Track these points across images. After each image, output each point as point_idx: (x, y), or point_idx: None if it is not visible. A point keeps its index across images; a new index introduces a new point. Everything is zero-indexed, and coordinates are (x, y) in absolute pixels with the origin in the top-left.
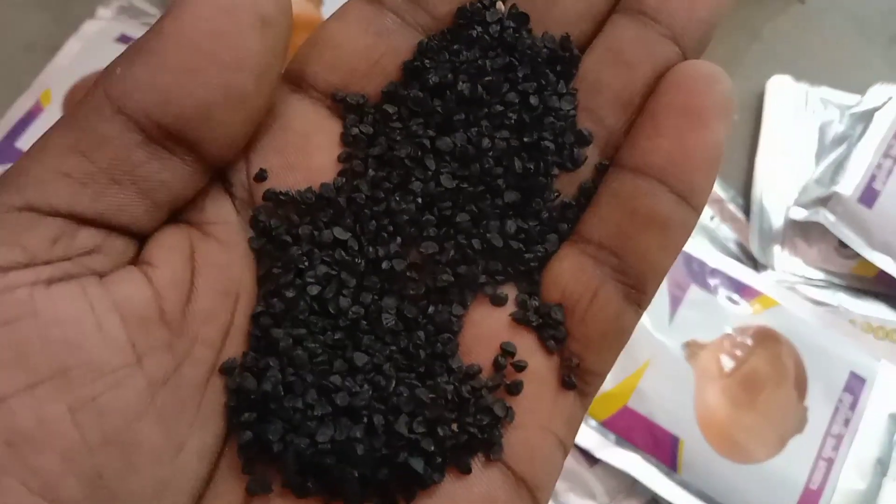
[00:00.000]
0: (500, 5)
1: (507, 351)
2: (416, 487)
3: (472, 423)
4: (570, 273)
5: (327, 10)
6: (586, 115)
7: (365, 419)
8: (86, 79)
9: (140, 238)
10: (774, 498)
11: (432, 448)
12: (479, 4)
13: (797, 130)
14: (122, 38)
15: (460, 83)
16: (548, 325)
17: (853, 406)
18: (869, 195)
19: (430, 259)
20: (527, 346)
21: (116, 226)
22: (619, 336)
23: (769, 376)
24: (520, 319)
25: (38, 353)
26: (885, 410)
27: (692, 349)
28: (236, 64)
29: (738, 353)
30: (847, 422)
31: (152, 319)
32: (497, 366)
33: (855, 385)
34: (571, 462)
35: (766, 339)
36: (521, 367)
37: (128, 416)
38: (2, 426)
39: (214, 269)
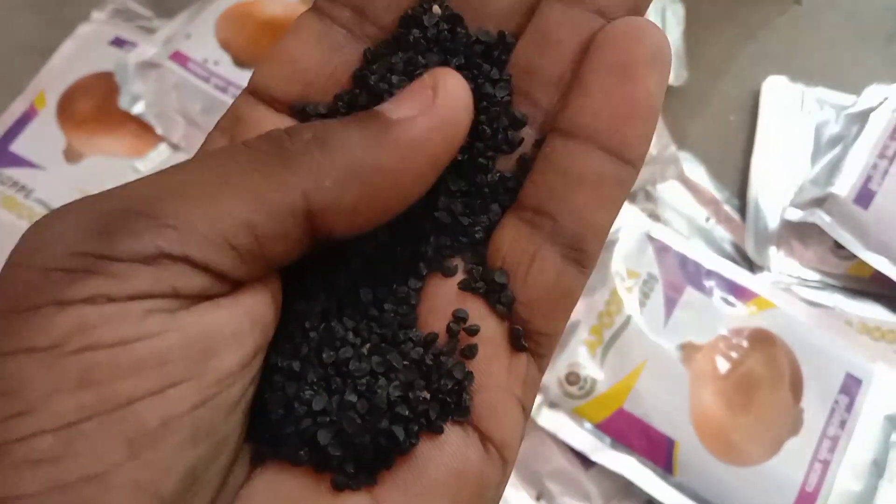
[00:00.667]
0: (436, 8)
1: (458, 317)
2: (394, 454)
3: (439, 387)
4: (510, 239)
5: None
6: (522, 98)
7: (355, 384)
8: (80, 81)
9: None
10: (770, 500)
11: (407, 413)
12: (420, 8)
13: (793, 131)
14: (116, 41)
15: (397, 82)
16: (493, 290)
17: (849, 408)
18: (865, 196)
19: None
20: (478, 313)
21: (240, 280)
22: (563, 297)
23: (765, 378)
24: (466, 287)
25: (178, 359)
26: (880, 412)
27: (688, 351)
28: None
29: (734, 354)
30: (843, 423)
31: (269, 324)
32: (451, 332)
33: (851, 386)
34: (566, 465)
35: (762, 340)
36: (473, 331)
37: (230, 411)
38: (126, 426)
39: (279, 299)
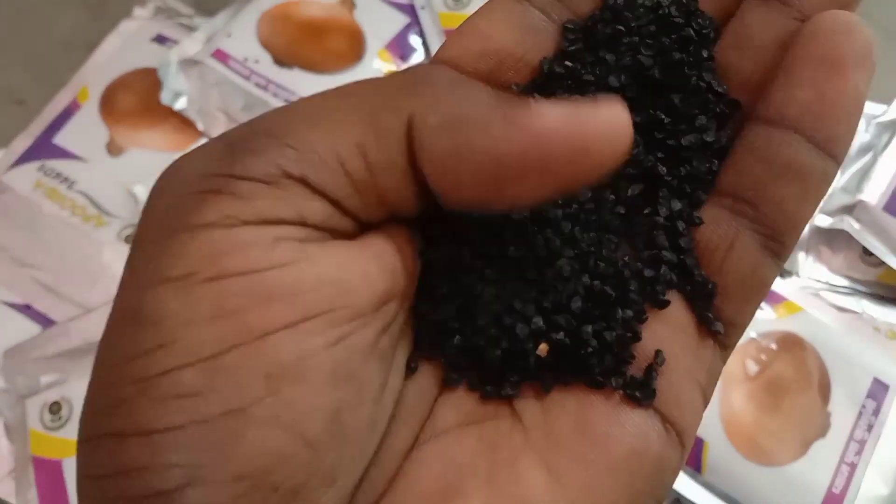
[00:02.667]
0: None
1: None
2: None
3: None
4: (707, 224)
5: (359, 14)
6: None
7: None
8: (123, 76)
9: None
10: (797, 501)
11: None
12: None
13: None
14: (159, 38)
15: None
16: (690, 279)
17: (876, 412)
18: (894, 204)
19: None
20: (671, 297)
21: (360, 220)
22: (758, 287)
23: (793, 381)
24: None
25: (309, 292)
26: None
27: None
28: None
29: (763, 357)
30: (870, 427)
31: (398, 272)
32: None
33: (878, 391)
34: None
35: (791, 344)
36: (663, 304)
37: (366, 355)
38: (264, 360)
39: (409, 251)
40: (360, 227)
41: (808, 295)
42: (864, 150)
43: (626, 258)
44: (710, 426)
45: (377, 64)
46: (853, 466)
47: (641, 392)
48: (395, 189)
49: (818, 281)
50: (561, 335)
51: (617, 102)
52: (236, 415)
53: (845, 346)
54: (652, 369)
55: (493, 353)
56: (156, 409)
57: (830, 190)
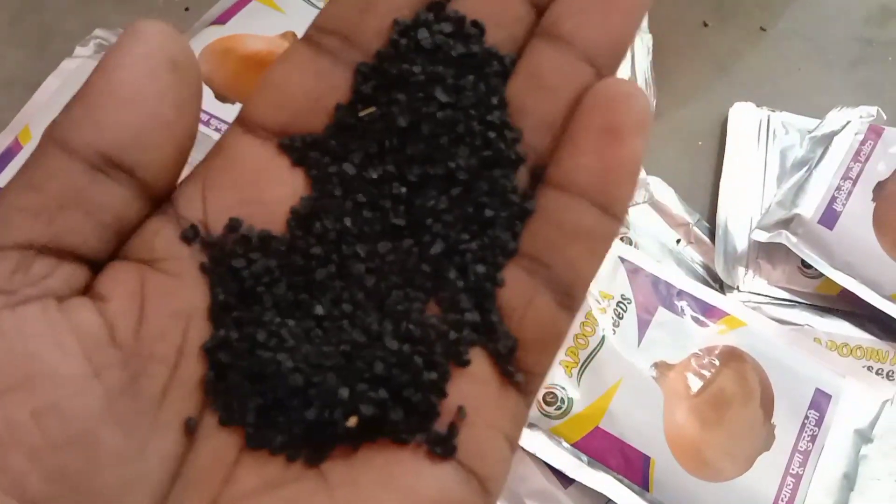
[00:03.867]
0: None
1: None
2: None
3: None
4: (508, 284)
5: None
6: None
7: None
8: None
9: (92, 266)
10: None
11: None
12: (419, 19)
13: (759, 155)
14: None
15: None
16: (490, 332)
17: (819, 423)
18: (829, 216)
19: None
20: (472, 352)
21: (69, 249)
22: (555, 339)
23: (736, 395)
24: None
25: (4, 366)
26: (850, 426)
27: (661, 370)
28: (157, 97)
29: (706, 372)
30: (814, 438)
31: (105, 342)
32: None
33: (821, 402)
34: (546, 484)
35: (733, 358)
36: (464, 363)
37: (88, 419)
38: None
39: (163, 295)
40: (82, 262)
41: (748, 309)
42: (799, 164)
43: (432, 320)
44: (656, 444)
45: None
46: (798, 478)
47: (443, 448)
48: (78, 191)
49: (759, 294)
50: (369, 408)
51: None
52: None
53: (787, 358)
54: (454, 425)
55: (296, 427)
56: None
57: (767, 204)
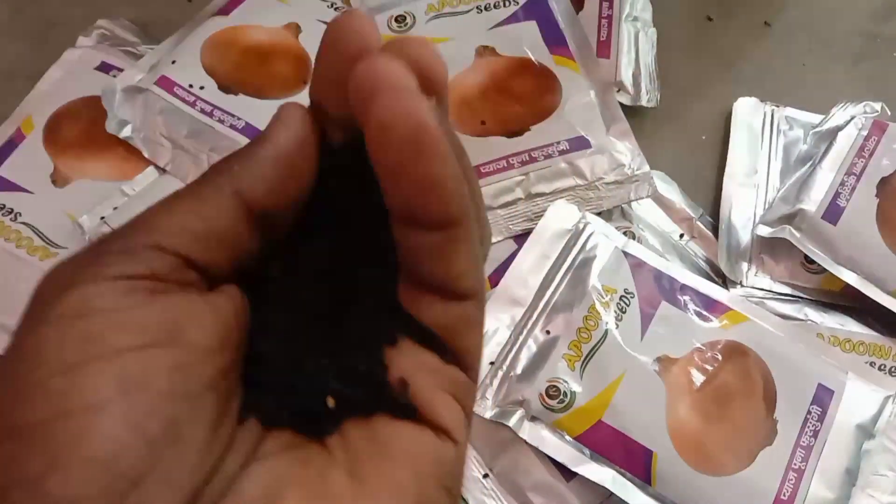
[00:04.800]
0: None
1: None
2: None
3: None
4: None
5: (304, 39)
6: None
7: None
8: (67, 106)
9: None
10: None
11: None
12: None
13: (763, 150)
14: (103, 66)
15: None
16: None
17: (821, 418)
18: (833, 212)
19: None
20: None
21: (210, 275)
22: (469, 325)
23: (738, 390)
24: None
25: (153, 327)
26: (852, 421)
27: (664, 364)
28: (309, 172)
29: (708, 367)
30: (816, 433)
31: (233, 325)
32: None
33: (823, 397)
34: (548, 477)
35: (735, 353)
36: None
37: (203, 384)
38: (116, 370)
39: (242, 311)
40: (209, 283)
41: (751, 304)
42: (803, 160)
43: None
44: (658, 437)
45: None
46: (800, 473)
47: (403, 410)
48: (237, 235)
49: (761, 290)
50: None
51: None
52: (93, 409)
53: (789, 353)
54: (404, 389)
55: (287, 411)
56: (24, 408)
57: (771, 199)
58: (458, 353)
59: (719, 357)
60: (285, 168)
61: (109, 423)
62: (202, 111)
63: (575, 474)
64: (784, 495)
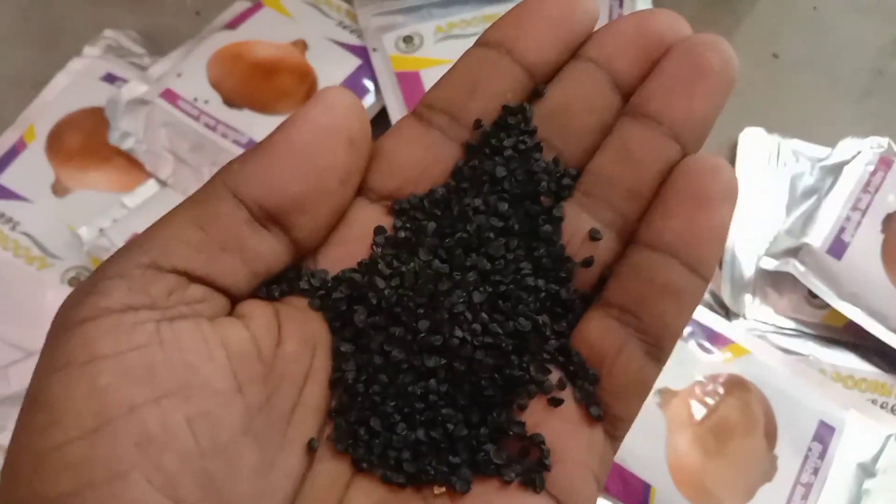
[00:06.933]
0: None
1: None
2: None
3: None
4: (598, 331)
5: (311, 55)
6: (603, 204)
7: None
8: (70, 116)
9: (234, 300)
10: None
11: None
12: (506, 119)
13: (769, 182)
14: (108, 77)
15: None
16: (579, 373)
17: (822, 455)
18: (838, 247)
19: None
20: (563, 394)
21: (220, 286)
22: (642, 386)
23: (739, 424)
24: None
25: (163, 372)
26: (853, 460)
27: (665, 397)
28: (328, 169)
29: (709, 400)
30: (816, 471)
31: (250, 356)
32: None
33: (824, 434)
34: None
35: (737, 387)
36: (557, 402)
37: (233, 430)
38: (133, 431)
39: (295, 323)
40: (229, 298)
41: (754, 337)
42: (809, 193)
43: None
44: (657, 471)
45: None
46: None
47: (533, 480)
48: (240, 239)
49: (764, 323)
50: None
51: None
52: (119, 478)
53: (791, 388)
54: (542, 461)
55: (404, 448)
56: (47, 481)
57: (776, 232)
58: (615, 418)
59: (721, 391)
60: (288, 165)
61: (137, 492)
62: (206, 125)
63: None
64: None
